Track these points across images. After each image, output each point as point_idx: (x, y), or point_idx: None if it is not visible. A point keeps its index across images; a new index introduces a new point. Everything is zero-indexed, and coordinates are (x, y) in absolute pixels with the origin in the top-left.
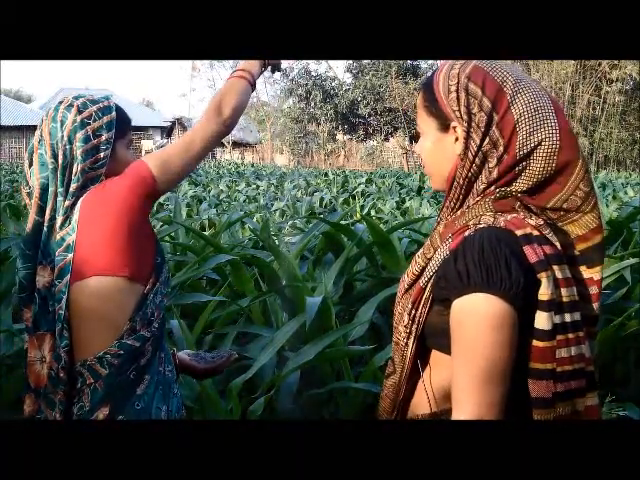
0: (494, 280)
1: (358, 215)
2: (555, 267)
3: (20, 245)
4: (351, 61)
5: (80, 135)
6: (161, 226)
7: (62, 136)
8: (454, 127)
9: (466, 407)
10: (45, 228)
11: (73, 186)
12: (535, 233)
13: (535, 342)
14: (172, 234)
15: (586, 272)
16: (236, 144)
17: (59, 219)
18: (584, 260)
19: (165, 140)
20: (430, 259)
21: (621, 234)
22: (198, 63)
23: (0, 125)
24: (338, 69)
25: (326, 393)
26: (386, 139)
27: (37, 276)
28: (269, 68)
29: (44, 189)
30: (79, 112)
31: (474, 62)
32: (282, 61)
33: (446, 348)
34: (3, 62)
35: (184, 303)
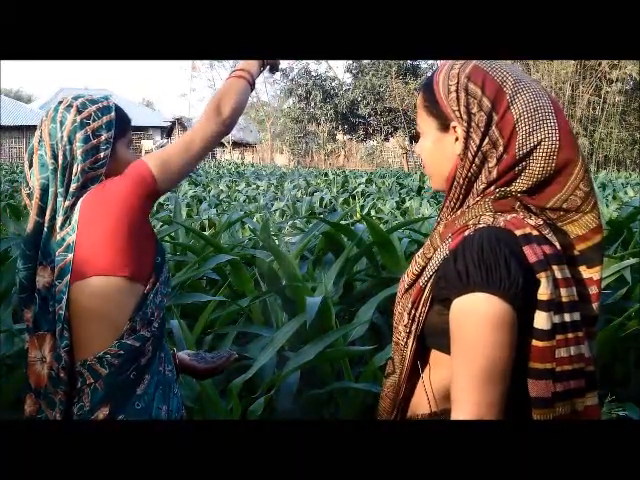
0: (493, 280)
1: (358, 215)
2: (554, 267)
3: (20, 246)
4: (351, 61)
5: (80, 135)
6: (161, 226)
7: (62, 136)
8: (454, 127)
9: (465, 407)
10: (45, 228)
11: (73, 186)
12: (534, 233)
13: (534, 342)
14: (172, 234)
15: (586, 272)
16: (236, 144)
17: (59, 219)
18: (584, 260)
19: (165, 140)
20: (430, 259)
21: (621, 234)
22: (198, 63)
23: (0, 125)
24: (338, 69)
25: (326, 393)
26: (386, 139)
27: (37, 276)
28: (268, 68)
29: (44, 190)
30: (78, 112)
31: (474, 62)
32: (282, 61)
33: (446, 348)
34: (3, 62)
35: (184, 303)
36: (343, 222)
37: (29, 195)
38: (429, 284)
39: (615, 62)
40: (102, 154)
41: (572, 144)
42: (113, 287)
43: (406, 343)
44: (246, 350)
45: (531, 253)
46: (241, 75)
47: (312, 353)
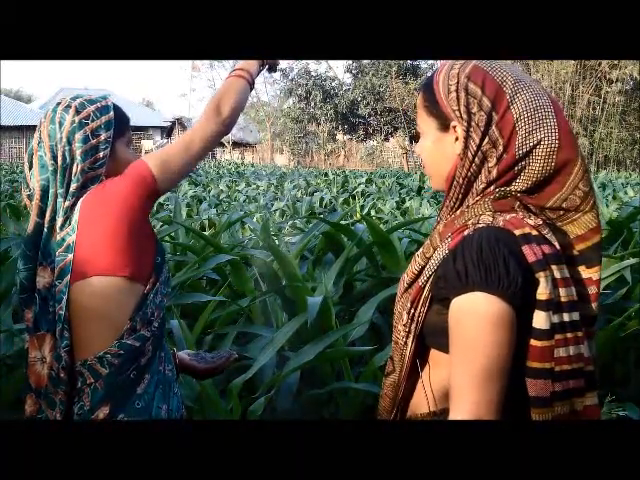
0: (492, 279)
1: (358, 215)
2: (553, 267)
3: (21, 246)
4: (351, 61)
5: (79, 136)
6: (161, 226)
7: (61, 137)
8: (454, 127)
9: (464, 406)
10: (45, 229)
11: (73, 186)
12: (534, 233)
13: (533, 341)
14: (172, 234)
15: (585, 272)
16: (236, 144)
17: (59, 220)
18: (583, 260)
19: (165, 140)
20: (429, 258)
21: (621, 234)
22: (198, 63)
23: (0, 125)
24: (338, 69)
25: (326, 393)
26: (386, 139)
27: (37, 277)
28: (267, 67)
29: (44, 191)
30: (77, 113)
31: (474, 62)
32: (282, 61)
33: (445, 347)
34: (3, 62)
35: (184, 303)
36: (343, 222)
37: (29, 196)
38: (428, 283)
39: (615, 62)
40: (101, 154)
41: (572, 144)
42: (113, 287)
43: (405, 342)
44: (246, 350)
45: (530, 253)
46: (240, 75)
47: (312, 353)
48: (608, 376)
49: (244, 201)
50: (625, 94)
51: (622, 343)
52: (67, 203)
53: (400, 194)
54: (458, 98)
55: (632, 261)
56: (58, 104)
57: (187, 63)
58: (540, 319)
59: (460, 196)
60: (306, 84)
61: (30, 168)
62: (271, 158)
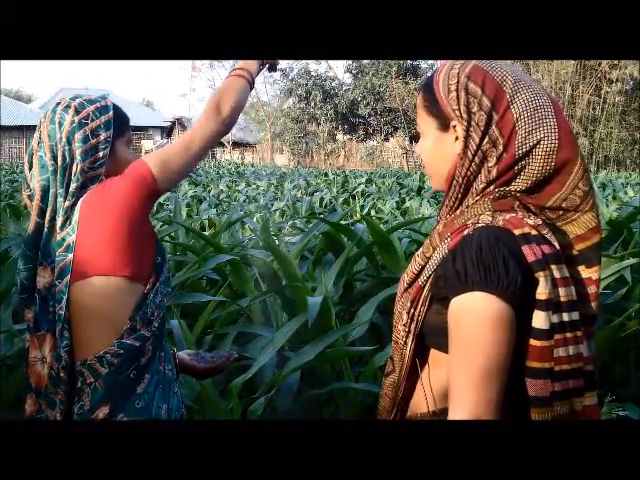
0: (492, 279)
1: (358, 215)
2: (553, 267)
3: (21, 246)
4: (351, 61)
5: (78, 136)
6: (161, 226)
7: (61, 137)
8: (454, 126)
9: (463, 406)
10: (45, 229)
11: (73, 186)
12: (533, 233)
13: (533, 341)
14: (172, 234)
15: (585, 272)
16: (236, 144)
17: (59, 220)
18: (583, 260)
19: (165, 140)
20: (429, 258)
21: (621, 234)
22: (198, 63)
23: (0, 125)
24: (338, 69)
25: (326, 393)
26: (386, 139)
27: (38, 277)
28: (267, 67)
29: (45, 191)
30: (77, 113)
31: (474, 62)
32: (282, 61)
33: (445, 347)
34: (3, 62)
35: (184, 303)
36: (343, 222)
37: (30, 197)
38: (428, 283)
39: (615, 62)
40: (101, 153)
41: (571, 143)
42: (113, 287)
43: (405, 342)
44: (246, 350)
45: (530, 252)
46: (240, 74)
47: (312, 353)
48: (608, 376)
49: (244, 201)
50: (625, 94)
51: (622, 343)
52: (67, 203)
53: (400, 194)
54: (458, 98)
55: (632, 261)
56: (58, 104)
57: (187, 63)
58: (540, 319)
59: (460, 196)
60: (306, 84)
61: (30, 168)
62: (271, 158)
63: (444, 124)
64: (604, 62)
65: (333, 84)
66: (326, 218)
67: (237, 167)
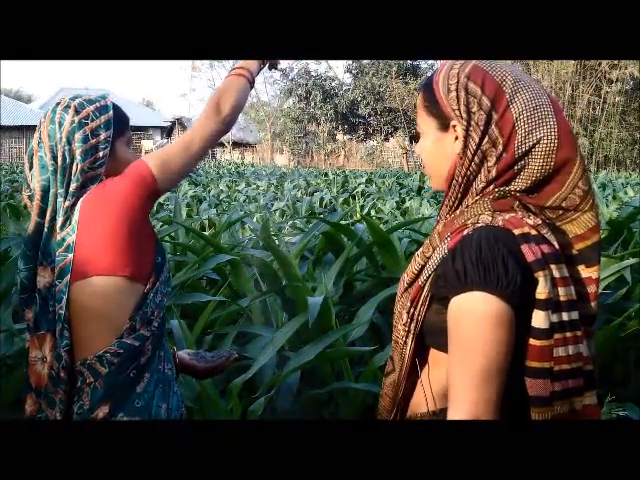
0: (491, 278)
1: (358, 215)
2: (553, 266)
3: (21, 246)
4: (351, 61)
5: (78, 135)
6: (161, 226)
7: (61, 137)
8: (454, 126)
9: (462, 405)
10: (45, 229)
11: (73, 186)
12: (533, 232)
13: (533, 341)
14: (172, 234)
15: (585, 271)
16: (236, 144)
17: (59, 220)
18: (582, 259)
19: (165, 140)
20: (429, 258)
21: (621, 234)
22: (198, 63)
23: (0, 125)
24: (338, 69)
25: (326, 393)
26: (386, 139)
27: (38, 277)
28: (267, 65)
29: (45, 191)
30: (76, 113)
31: (473, 62)
32: (282, 61)
33: (444, 347)
34: (3, 62)
35: (184, 303)
36: (343, 222)
37: (30, 197)
38: (428, 283)
39: (615, 62)
40: (101, 153)
41: (571, 143)
42: (113, 287)
43: (405, 342)
44: (246, 350)
45: (529, 252)
46: (240, 73)
47: (312, 353)
48: (608, 376)
49: (244, 201)
50: (625, 94)
51: (622, 343)
52: (67, 203)
53: (400, 194)
54: (458, 97)
55: (632, 261)
56: (57, 104)
57: (187, 63)
58: (539, 318)
59: (459, 195)
60: (306, 84)
61: (30, 168)
62: (271, 158)
63: (444, 124)
64: (604, 62)
65: (333, 84)
66: (326, 218)
67: (237, 167)
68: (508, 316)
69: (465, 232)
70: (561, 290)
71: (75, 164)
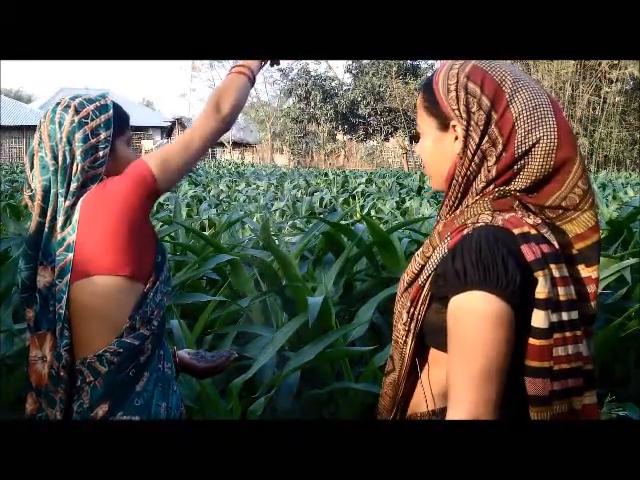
0: (491, 278)
1: (358, 215)
2: (552, 266)
3: (23, 245)
4: (351, 61)
5: (79, 135)
6: (161, 226)
7: (61, 137)
8: (453, 126)
9: (462, 405)
10: (46, 228)
11: (73, 186)
12: (533, 232)
13: (532, 340)
14: (172, 234)
15: (584, 271)
16: (236, 144)
17: (60, 219)
18: (582, 259)
19: (165, 140)
20: (429, 258)
21: (621, 234)
22: (198, 63)
23: (0, 125)
24: (338, 69)
25: (326, 393)
26: (386, 139)
27: (38, 276)
28: (268, 62)
29: (46, 191)
30: (76, 112)
31: (473, 62)
32: (282, 61)
33: (444, 346)
34: (3, 62)
35: (184, 303)
36: (343, 222)
37: (31, 197)
38: (428, 282)
39: (615, 62)
40: (101, 153)
41: (571, 142)
42: (113, 286)
43: (405, 341)
44: (246, 350)
45: (529, 252)
46: (241, 71)
47: (312, 353)
48: (608, 376)
49: (244, 201)
50: (625, 94)
51: (622, 343)
52: (67, 203)
53: (400, 194)
54: (457, 97)
55: (632, 261)
56: (57, 104)
57: (187, 63)
58: (539, 318)
59: (459, 195)
60: (306, 84)
61: (32, 169)
62: (271, 158)
63: (444, 124)
64: (604, 62)
65: (333, 84)
66: (326, 218)
67: (237, 167)
68: (508, 316)
69: (465, 232)
70: (561, 290)
71: (75, 164)
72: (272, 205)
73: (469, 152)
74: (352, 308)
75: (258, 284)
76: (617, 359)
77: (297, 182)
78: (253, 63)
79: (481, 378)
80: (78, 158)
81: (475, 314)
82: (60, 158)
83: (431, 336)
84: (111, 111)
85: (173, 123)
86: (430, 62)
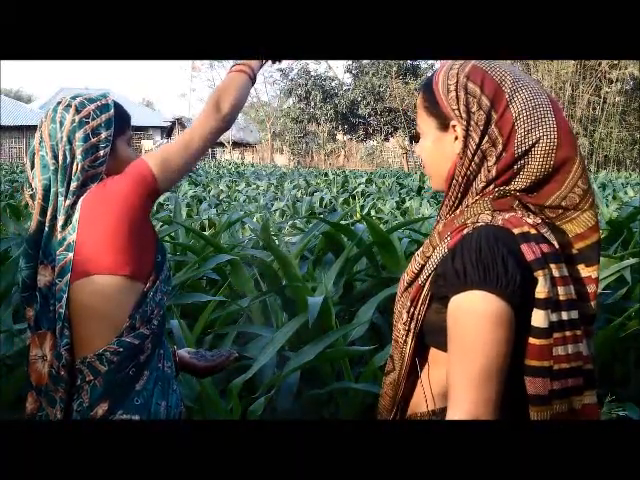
0: (491, 278)
1: (358, 215)
2: (552, 265)
3: (23, 244)
4: (351, 61)
5: (79, 134)
6: (161, 226)
7: (62, 137)
8: (453, 126)
9: (462, 405)
10: (46, 228)
11: (73, 185)
12: (533, 232)
13: (532, 340)
14: (172, 234)
15: (584, 270)
16: (236, 144)
17: (60, 219)
18: (582, 259)
19: (165, 140)
20: (429, 257)
21: (621, 234)
22: (198, 63)
23: (0, 125)
24: (338, 69)
25: (326, 393)
26: (386, 139)
27: (38, 275)
28: (269, 60)
29: (47, 190)
30: (77, 112)
31: (473, 62)
32: (282, 61)
33: (444, 346)
34: (3, 62)
35: (184, 303)
36: (343, 222)
37: (32, 196)
38: (428, 282)
39: (615, 62)
40: (102, 152)
41: (570, 142)
42: (113, 286)
43: (405, 341)
44: (246, 350)
45: (529, 251)
46: (241, 69)
47: (312, 353)
48: (608, 376)
49: (244, 201)
50: (625, 94)
51: (622, 343)
52: (68, 202)
53: (400, 194)
54: (457, 97)
55: (632, 261)
56: (59, 103)
57: (187, 63)
58: (539, 317)
59: (459, 195)
60: (306, 84)
61: (32, 168)
62: (271, 158)
63: (444, 124)
64: (604, 62)
65: (333, 84)
66: (326, 218)
67: (237, 167)
68: (508, 315)
69: (465, 231)
70: (561, 289)
71: (75, 163)
72: (272, 205)
73: (469, 152)
74: (352, 308)
75: (258, 284)
76: (617, 359)
77: (297, 182)
78: (254, 61)
79: (481, 378)
80: (78, 157)
81: (475, 314)
82: (60, 157)
83: (431, 336)
84: (112, 111)
85: (173, 123)
86: (430, 62)
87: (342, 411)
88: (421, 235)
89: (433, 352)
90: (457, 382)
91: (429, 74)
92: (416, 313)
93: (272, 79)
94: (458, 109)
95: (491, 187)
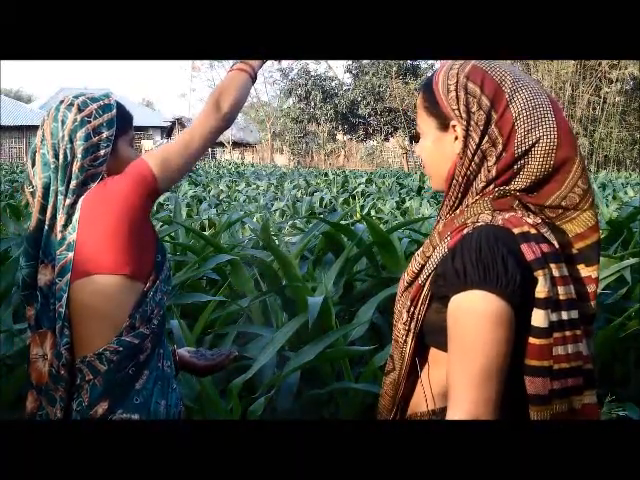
0: (491, 278)
1: (358, 215)
2: (552, 265)
3: (23, 243)
4: (351, 61)
5: (80, 133)
6: (161, 226)
7: (63, 135)
8: (453, 126)
9: (462, 405)
10: (46, 227)
11: (73, 183)
12: (533, 231)
13: (532, 339)
14: (172, 234)
15: (584, 270)
16: (236, 144)
17: (60, 218)
18: (582, 258)
19: (165, 140)
20: (429, 257)
21: (621, 234)
22: (198, 63)
23: (0, 125)
24: (338, 69)
25: (326, 393)
26: (386, 139)
27: (39, 274)
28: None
29: (46, 188)
30: (79, 111)
31: (473, 62)
32: (281, 61)
33: (444, 346)
34: (3, 62)
35: (184, 303)
36: (343, 222)
37: (32, 194)
38: (428, 282)
39: (615, 62)
40: (102, 152)
41: (570, 142)
42: (113, 285)
43: (405, 341)
44: (246, 350)
45: (529, 251)
46: (242, 68)
47: (312, 353)
48: (608, 376)
49: (244, 201)
50: (625, 94)
51: (622, 343)
52: (68, 201)
53: (400, 194)
54: (457, 97)
55: (632, 261)
56: (61, 102)
57: (187, 63)
58: (539, 317)
59: (460, 195)
60: (306, 84)
61: (33, 165)
62: (271, 158)
63: (444, 124)
64: (604, 62)
65: (333, 84)
66: (326, 218)
67: (237, 167)
68: (508, 315)
69: (465, 231)
70: (560, 289)
71: (76, 162)
72: (272, 205)
73: (469, 152)
74: (352, 308)
75: (258, 284)
76: (617, 359)
77: (297, 182)
78: (254, 60)
79: (481, 378)
80: (78, 156)
81: (475, 313)
82: (61, 156)
83: (431, 336)
84: (114, 110)
85: (173, 123)
86: (430, 62)
87: (342, 411)
88: (421, 235)
89: (433, 352)
90: (457, 382)
91: (429, 74)
92: (416, 313)
93: (272, 79)
94: (458, 109)
95: (491, 187)
